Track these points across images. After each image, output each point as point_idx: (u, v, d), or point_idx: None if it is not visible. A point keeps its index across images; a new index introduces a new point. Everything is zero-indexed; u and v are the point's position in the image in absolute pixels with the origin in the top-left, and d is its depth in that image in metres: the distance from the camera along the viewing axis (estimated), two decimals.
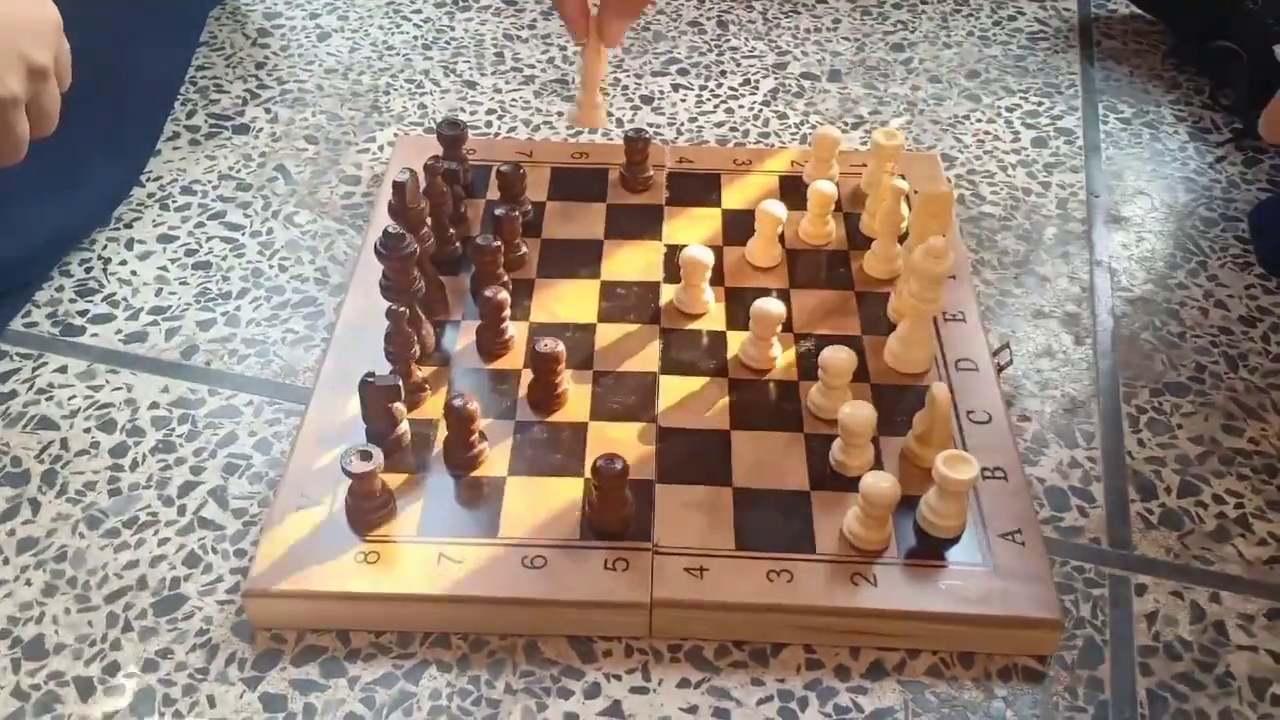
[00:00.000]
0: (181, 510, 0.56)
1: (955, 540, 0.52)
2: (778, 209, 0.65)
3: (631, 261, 0.67)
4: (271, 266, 0.69)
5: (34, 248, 0.66)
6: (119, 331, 0.65)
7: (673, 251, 0.67)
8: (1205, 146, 0.81)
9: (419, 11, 0.93)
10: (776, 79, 0.87)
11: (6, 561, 0.53)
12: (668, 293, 0.65)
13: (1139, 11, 0.94)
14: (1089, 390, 0.63)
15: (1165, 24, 0.92)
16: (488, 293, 0.60)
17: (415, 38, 0.90)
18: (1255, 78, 0.80)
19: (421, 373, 0.59)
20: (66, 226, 0.68)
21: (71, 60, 0.51)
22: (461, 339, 0.62)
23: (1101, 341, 0.66)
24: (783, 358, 0.61)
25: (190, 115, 0.81)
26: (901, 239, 0.66)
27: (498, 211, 0.65)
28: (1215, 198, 0.76)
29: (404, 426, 0.56)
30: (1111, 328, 0.67)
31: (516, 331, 0.62)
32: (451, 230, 0.66)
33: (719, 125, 0.82)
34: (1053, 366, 0.64)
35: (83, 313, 0.66)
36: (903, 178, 0.66)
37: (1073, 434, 0.61)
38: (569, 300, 0.64)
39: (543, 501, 0.54)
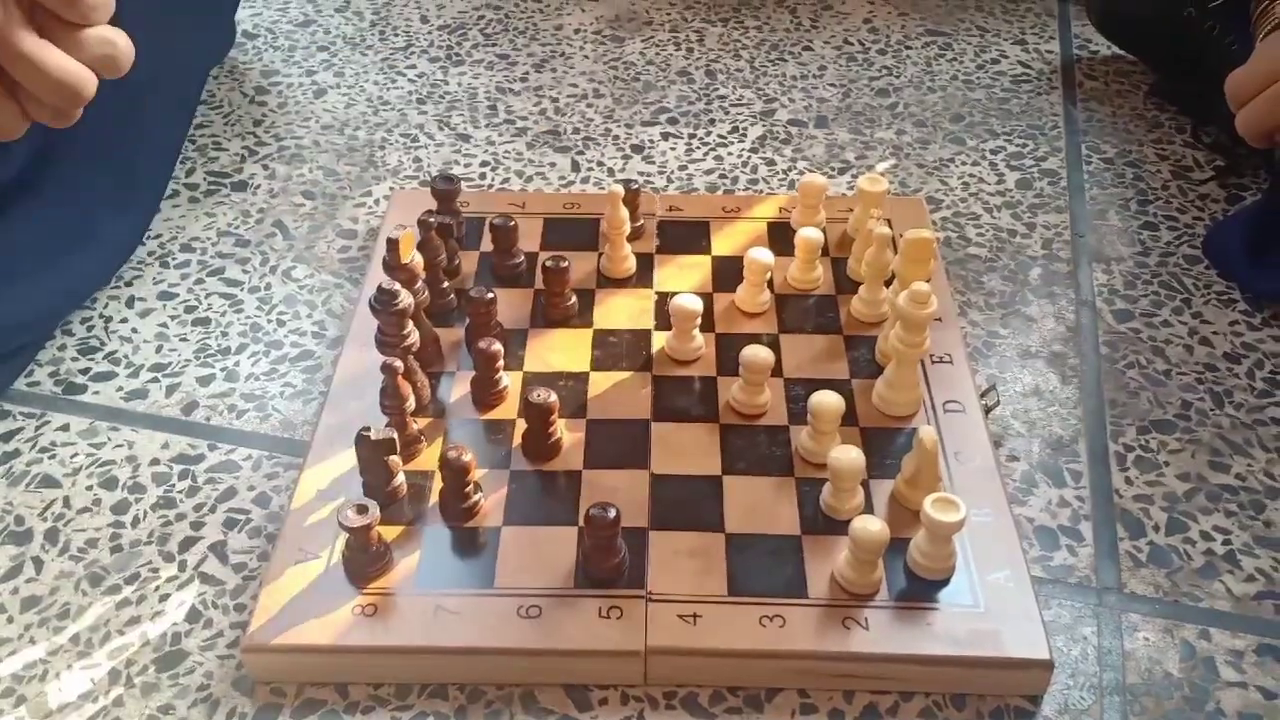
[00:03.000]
0: (182, 566, 0.57)
1: (945, 582, 0.53)
2: (765, 256, 0.66)
3: (623, 310, 0.68)
4: (270, 321, 0.71)
5: (38, 310, 0.67)
6: (120, 389, 0.66)
7: (663, 299, 0.68)
8: (1188, 184, 0.82)
9: (413, 67, 0.95)
10: (764, 126, 0.88)
11: (10, 620, 0.54)
12: (659, 340, 0.66)
13: (1120, 52, 0.96)
14: (1076, 429, 0.64)
15: (1147, 64, 0.94)
16: (481, 344, 0.61)
17: (410, 92, 0.92)
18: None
19: (417, 425, 0.59)
20: (71, 289, 0.69)
21: (81, 122, 0.50)
22: (456, 390, 0.63)
23: (1088, 380, 0.67)
24: (772, 402, 0.62)
25: (189, 173, 0.83)
26: (888, 283, 0.67)
27: (547, 263, 0.66)
28: (1198, 235, 0.77)
29: (400, 479, 0.57)
30: (1097, 366, 0.68)
31: (511, 381, 0.63)
32: (446, 283, 0.68)
33: (708, 173, 0.83)
34: (1040, 406, 0.65)
35: (84, 371, 0.67)
36: (888, 222, 0.67)
37: (1061, 473, 0.61)
38: (562, 349, 0.66)
39: (537, 551, 0.54)
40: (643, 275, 0.71)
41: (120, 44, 0.47)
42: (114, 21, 0.47)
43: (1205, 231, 0.77)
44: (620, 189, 0.69)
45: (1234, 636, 0.54)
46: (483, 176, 0.83)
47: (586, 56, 0.97)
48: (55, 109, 0.47)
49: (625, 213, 0.69)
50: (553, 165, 0.84)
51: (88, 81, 0.46)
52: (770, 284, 0.68)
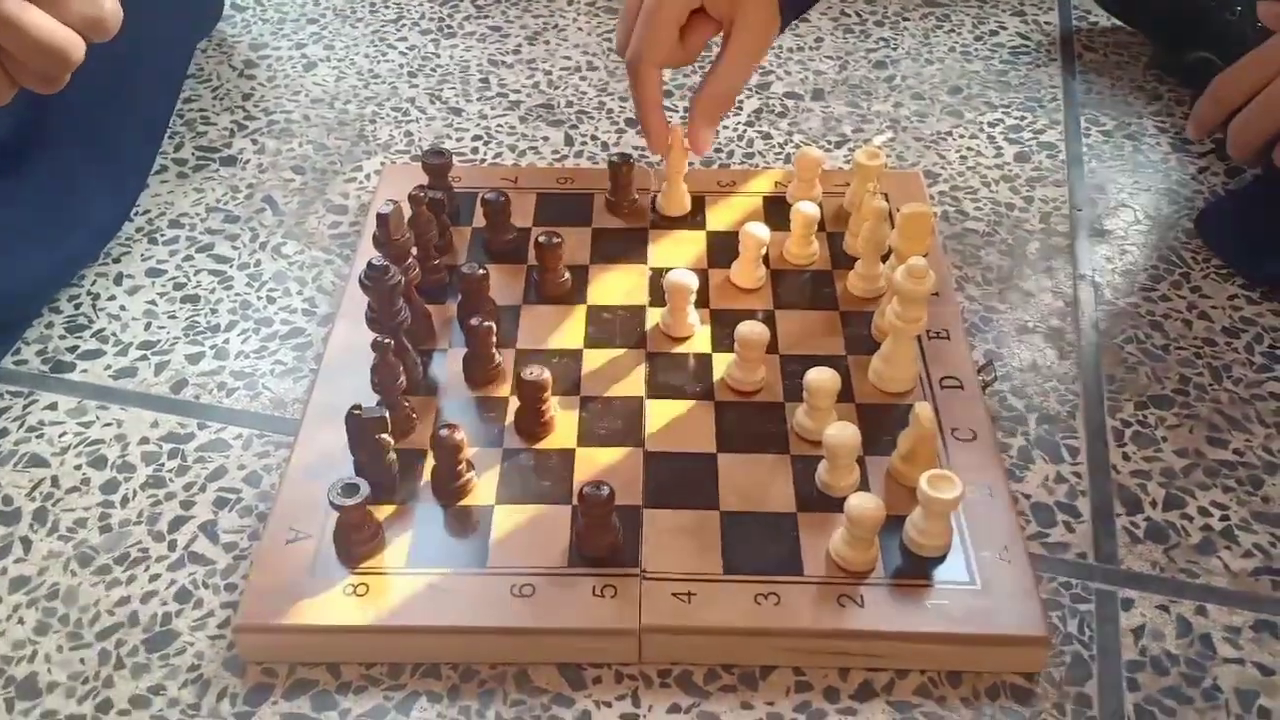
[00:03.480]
0: (172, 546, 0.56)
1: (941, 559, 0.53)
2: (760, 231, 0.65)
3: (617, 286, 0.67)
4: (259, 298, 0.70)
5: (27, 285, 0.66)
6: (108, 367, 0.65)
7: (658, 275, 0.67)
8: (1187, 158, 0.81)
9: (404, 39, 0.94)
10: (760, 99, 0.87)
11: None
12: (653, 316, 0.65)
13: (1120, 23, 0.94)
14: (1074, 405, 0.63)
15: (1146, 35, 0.93)
16: (474, 321, 0.60)
17: (401, 65, 0.91)
18: None
19: (408, 403, 0.59)
20: (58, 266, 0.68)
21: (66, 97, 0.50)
22: (449, 367, 0.62)
23: (1085, 355, 0.66)
24: (768, 379, 0.61)
25: (178, 148, 0.82)
26: (885, 258, 0.66)
27: (541, 239, 0.65)
28: (1197, 209, 0.76)
29: (391, 457, 0.56)
30: (1095, 341, 0.67)
31: (503, 359, 0.62)
32: (437, 259, 0.67)
33: None
34: (1037, 381, 0.65)
35: (72, 349, 0.66)
36: (885, 197, 0.66)
37: (1058, 449, 0.61)
38: (556, 326, 0.65)
39: (531, 529, 0.54)
40: (637, 251, 0.70)
41: (106, 5, 0.46)
42: None
43: (1204, 206, 0.76)
44: (680, 130, 0.68)
45: (1231, 613, 0.53)
46: (475, 151, 0.82)
47: (580, 29, 0.95)
48: (40, 73, 0.46)
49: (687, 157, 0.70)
50: (546, 139, 0.83)
51: (73, 45, 0.45)
52: (766, 259, 0.68)
